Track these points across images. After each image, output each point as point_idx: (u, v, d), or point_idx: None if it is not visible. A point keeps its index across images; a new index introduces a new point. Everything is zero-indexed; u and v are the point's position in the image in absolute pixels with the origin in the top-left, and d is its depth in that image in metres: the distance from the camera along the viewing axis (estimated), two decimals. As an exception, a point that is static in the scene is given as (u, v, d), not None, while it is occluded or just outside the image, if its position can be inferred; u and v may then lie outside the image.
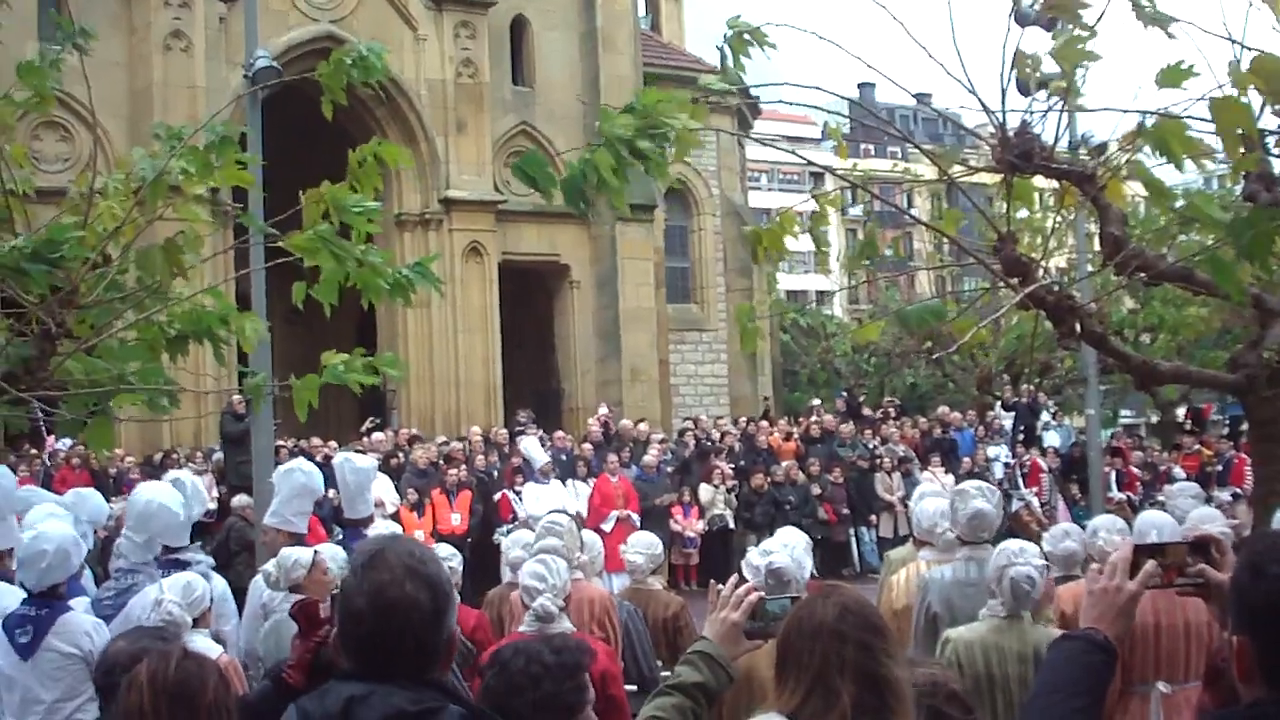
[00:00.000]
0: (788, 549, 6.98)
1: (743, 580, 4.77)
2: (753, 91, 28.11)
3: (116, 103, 26.76)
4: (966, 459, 28.09)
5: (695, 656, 4.44)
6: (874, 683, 3.82)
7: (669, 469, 26.04)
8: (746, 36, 6.27)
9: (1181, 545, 3.87)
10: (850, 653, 3.83)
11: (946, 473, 26.83)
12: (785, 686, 3.91)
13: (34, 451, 22.29)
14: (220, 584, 9.45)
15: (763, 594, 4.56)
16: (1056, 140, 5.73)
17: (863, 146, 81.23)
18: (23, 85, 7.71)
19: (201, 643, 7.15)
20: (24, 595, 7.90)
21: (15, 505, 9.18)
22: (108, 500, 19.33)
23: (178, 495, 9.57)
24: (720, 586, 4.62)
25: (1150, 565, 3.72)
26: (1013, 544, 7.47)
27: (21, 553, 7.82)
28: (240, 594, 10.25)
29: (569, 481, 24.25)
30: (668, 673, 9.34)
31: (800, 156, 9.20)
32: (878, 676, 3.83)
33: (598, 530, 20.17)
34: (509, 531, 21.07)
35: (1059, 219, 7.94)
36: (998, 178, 6.10)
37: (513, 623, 8.12)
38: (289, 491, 10.69)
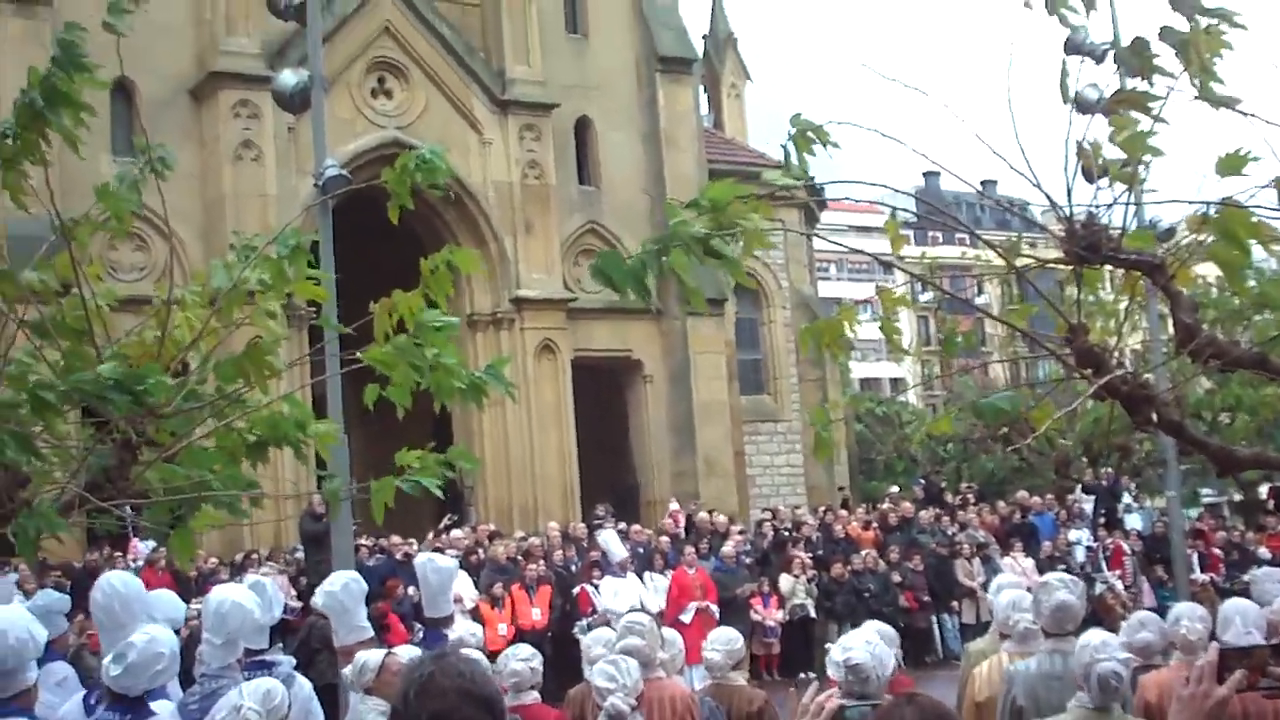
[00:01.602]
0: (869, 646, 6.94)
1: (822, 683, 4.75)
2: (818, 185, 28.27)
3: (190, 212, 27.18)
4: (1047, 543, 27.87)
5: None
6: None
7: (747, 560, 25.94)
8: (810, 135, 6.31)
9: (1265, 648, 3.88)
10: None
11: (1027, 557, 26.64)
12: None
13: (118, 555, 22.49)
14: (305, 685, 9.48)
15: (843, 702, 4.55)
16: (1124, 230, 5.72)
17: (930, 234, 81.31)
18: (103, 205, 7.86)
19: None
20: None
21: (147, 608, 9.23)
22: (187, 602, 19.55)
23: (252, 595, 9.61)
24: (794, 689, 4.60)
25: (1239, 675, 3.73)
26: (1095, 637, 7.39)
27: (134, 656, 7.84)
28: (321, 692, 10.30)
29: (647, 574, 24.18)
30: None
31: (863, 251, 9.23)
32: None
33: (676, 622, 20.11)
34: (589, 626, 21.10)
35: (1130, 304, 7.94)
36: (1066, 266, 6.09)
37: (594, 722, 8.11)
38: (353, 603, 10.72)
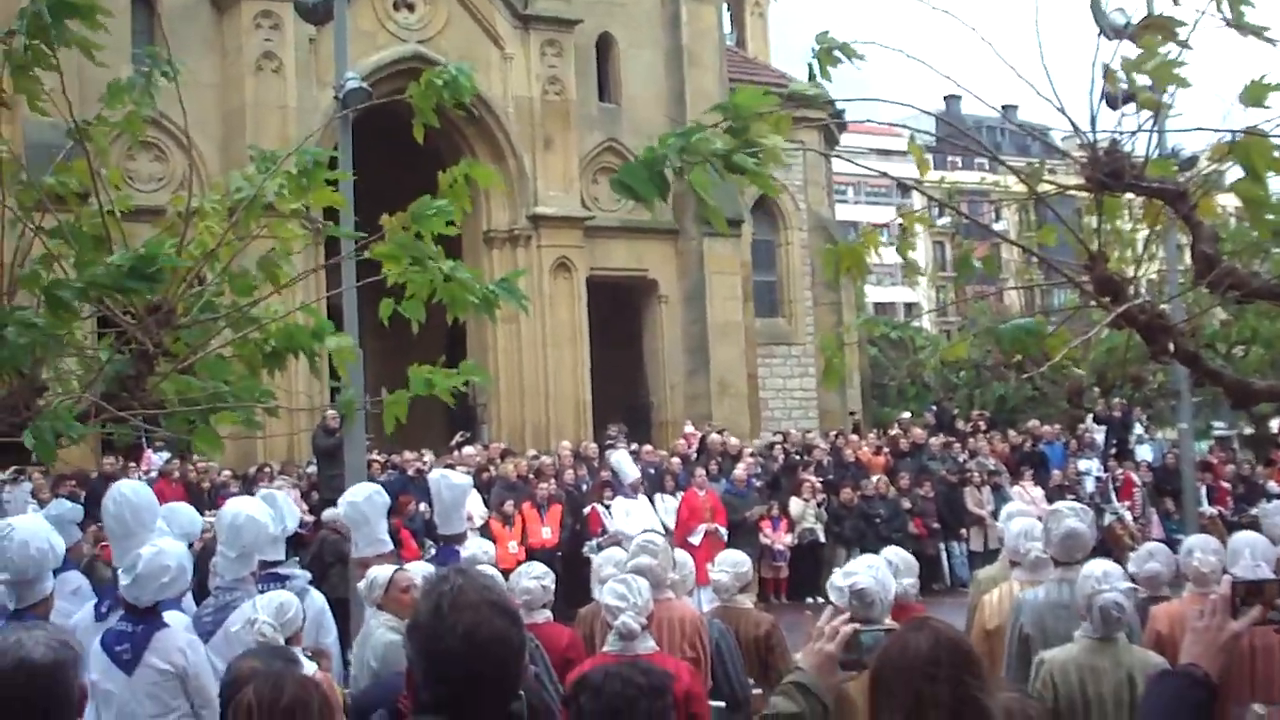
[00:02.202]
0: (872, 570, 6.95)
1: (836, 609, 4.77)
2: (840, 106, 28.09)
3: (209, 123, 27.11)
4: (1057, 473, 27.90)
5: (791, 687, 4.45)
6: (967, 715, 3.82)
7: (758, 483, 25.99)
8: (835, 52, 6.27)
9: (1275, 582, 3.90)
10: (943, 685, 3.83)
11: (1036, 486, 26.68)
12: (879, 719, 3.92)
13: (131, 465, 22.58)
14: (318, 598, 9.56)
15: (857, 626, 4.56)
16: (1147, 158, 5.69)
17: (949, 159, 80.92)
18: (110, 105, 7.84)
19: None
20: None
21: (157, 521, 9.26)
22: (201, 514, 19.64)
23: (266, 509, 9.66)
24: (809, 612, 4.63)
25: (1256, 612, 3.75)
26: (1096, 568, 7.39)
27: (141, 567, 7.87)
28: (334, 606, 10.39)
29: (657, 495, 24.23)
30: (758, 690, 9.38)
31: (886, 174, 9.17)
32: (971, 709, 3.83)
33: (685, 543, 20.16)
34: (598, 546, 21.18)
35: (1151, 234, 7.88)
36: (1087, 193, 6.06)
37: (602, 642, 8.14)
38: (375, 516, 10.76)
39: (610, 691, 4.53)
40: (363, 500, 10.82)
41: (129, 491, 9.13)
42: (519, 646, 3.69)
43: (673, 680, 4.77)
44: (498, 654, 3.62)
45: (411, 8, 30.31)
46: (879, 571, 6.99)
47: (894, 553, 9.03)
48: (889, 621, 6.48)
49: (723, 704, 8.90)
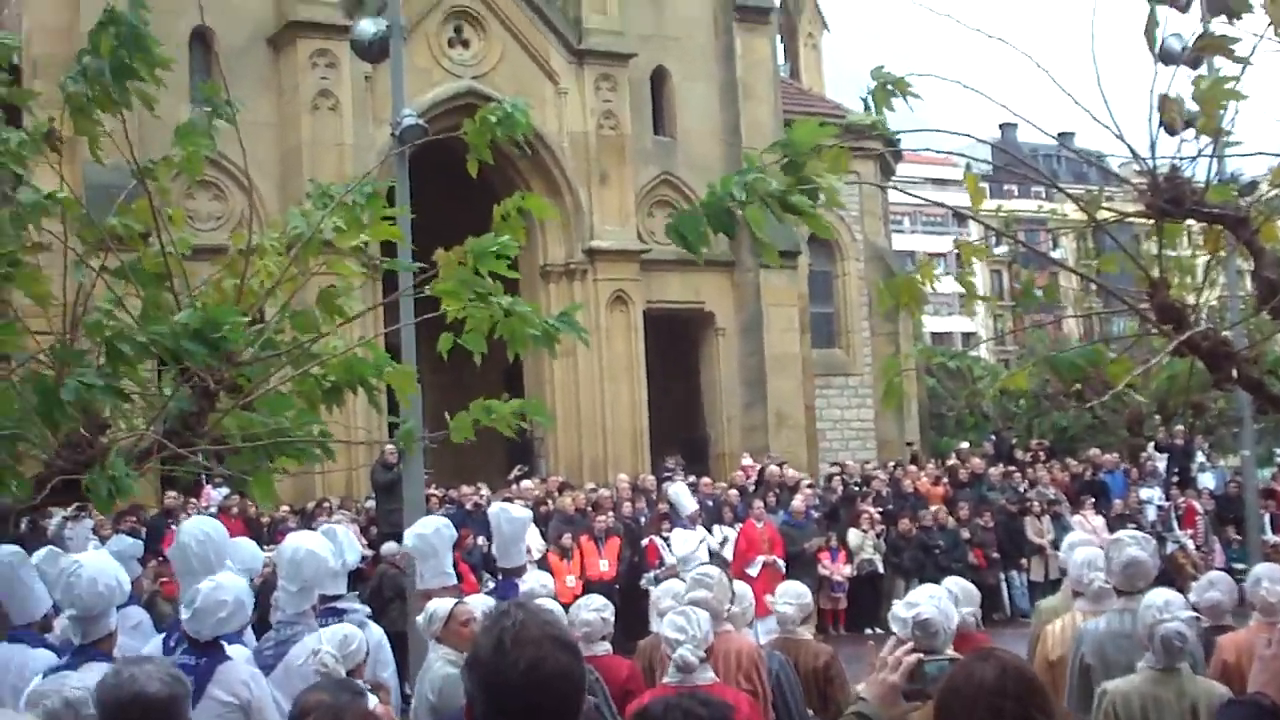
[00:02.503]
0: (934, 600, 6.92)
1: (899, 640, 4.75)
2: (897, 137, 28.07)
3: (267, 162, 27.26)
4: (1118, 502, 27.68)
5: (854, 718, 4.43)
6: None
7: (816, 514, 25.92)
8: (890, 87, 6.28)
9: None
10: (1009, 717, 3.81)
11: (1097, 515, 26.47)
12: None
13: (190, 501, 22.71)
14: (377, 632, 9.59)
15: (921, 656, 4.54)
16: (1207, 183, 5.66)
17: (1005, 187, 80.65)
18: (180, 146, 7.93)
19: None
20: (52, 659, 8.06)
21: (225, 555, 9.34)
22: (261, 549, 19.70)
23: (326, 543, 9.71)
24: (872, 643, 4.60)
25: None
26: (1158, 597, 7.33)
27: (200, 602, 7.94)
28: (393, 640, 10.42)
29: (715, 527, 24.20)
30: (818, 721, 9.35)
31: (943, 204, 9.16)
32: None
33: (743, 575, 20.12)
34: (656, 578, 21.16)
35: (1212, 260, 7.84)
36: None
37: (662, 673, 8.13)
38: (442, 548, 10.80)
39: None
40: (431, 533, 10.86)
41: (210, 529, 9.21)
42: (580, 681, 3.69)
43: (734, 712, 4.74)
44: (559, 689, 3.62)
45: (466, 44, 30.47)
46: (942, 601, 6.95)
47: (955, 582, 8.98)
48: (952, 652, 6.44)
49: None
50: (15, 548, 9.16)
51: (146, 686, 4.73)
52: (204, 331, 7.12)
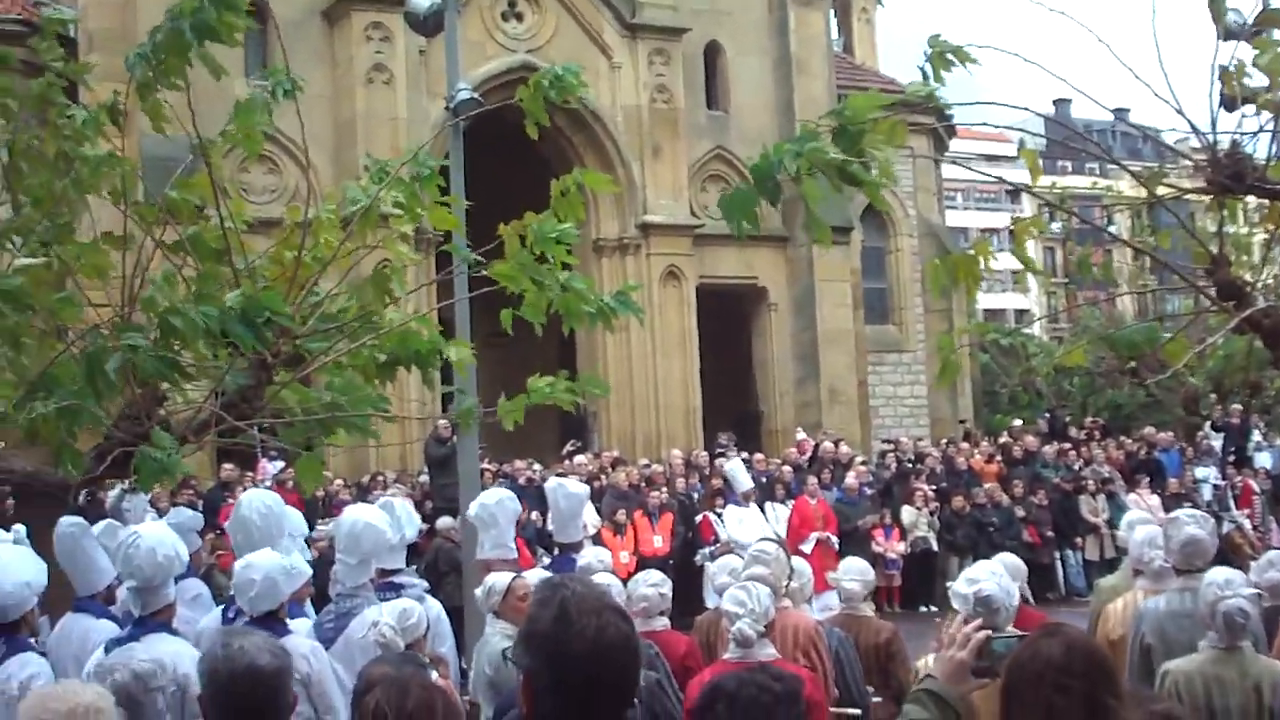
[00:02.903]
0: (995, 577, 6.88)
1: (967, 617, 4.73)
2: (951, 111, 27.90)
3: (321, 135, 27.34)
4: (1173, 480, 27.49)
5: (922, 694, 4.43)
6: None
7: (869, 491, 25.86)
8: (948, 55, 6.24)
9: None
10: (1077, 694, 3.79)
11: (1153, 494, 26.31)
12: None
13: (245, 474, 22.83)
14: (435, 606, 9.62)
15: (990, 633, 4.53)
16: (1269, 160, 5.61)
17: (1059, 164, 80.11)
18: (238, 123, 7.97)
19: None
20: (114, 630, 8.12)
21: (286, 528, 9.41)
22: (318, 522, 19.82)
23: (384, 516, 9.73)
24: (940, 620, 4.58)
25: None
26: (1219, 575, 7.27)
27: (234, 580, 8.05)
28: (450, 613, 10.46)
29: (768, 504, 24.16)
30: (878, 699, 9.34)
31: (1001, 179, 9.11)
32: (1104, 718, 3.78)
33: (797, 552, 20.12)
34: (711, 554, 21.16)
35: (1269, 237, 7.76)
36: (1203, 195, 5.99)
37: (721, 648, 8.14)
38: (505, 520, 10.83)
39: (746, 698, 4.51)
40: (494, 503, 10.89)
41: (271, 501, 9.27)
42: (638, 651, 3.69)
43: (804, 685, 4.75)
44: (621, 658, 3.62)
45: (520, 18, 30.45)
46: (1002, 578, 6.92)
47: (1002, 558, 8.93)
48: (1016, 629, 6.43)
49: (858, 711, 8.89)
50: (78, 519, 9.24)
51: (257, 659, 4.80)
52: (250, 314, 7.16)
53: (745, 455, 26.41)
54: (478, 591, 9.23)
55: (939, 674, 4.47)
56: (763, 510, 23.80)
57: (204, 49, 7.25)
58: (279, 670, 4.88)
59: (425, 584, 10.47)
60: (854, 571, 10.23)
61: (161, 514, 15.41)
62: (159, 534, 8.22)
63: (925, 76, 6.28)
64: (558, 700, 3.60)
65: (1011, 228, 6.96)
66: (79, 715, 4.26)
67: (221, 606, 9.31)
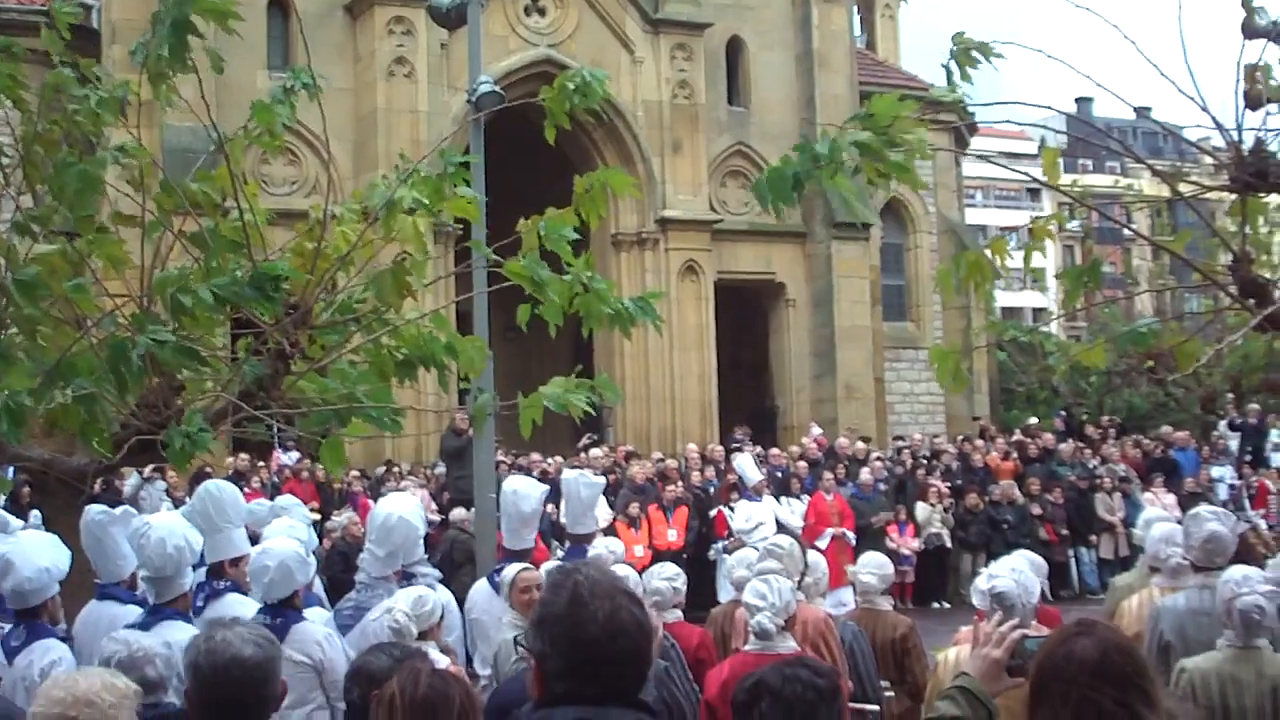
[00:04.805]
0: (1014, 574, 6.87)
1: (1004, 615, 4.72)
2: (974, 109, 27.85)
3: (341, 127, 27.41)
4: (1189, 480, 27.42)
5: (955, 692, 4.42)
6: None
7: (884, 487, 25.85)
8: (973, 52, 6.22)
9: None
10: (1109, 697, 3.75)
11: (1168, 493, 26.25)
12: None
13: (261, 464, 22.90)
14: (446, 596, 9.65)
15: (1026, 631, 4.52)
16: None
17: (1080, 162, 79.98)
18: (257, 120, 7.98)
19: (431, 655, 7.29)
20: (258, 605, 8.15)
21: (243, 517, 9.45)
22: (332, 513, 19.84)
23: (418, 510, 9.79)
24: (977, 618, 4.55)
25: None
26: (1236, 572, 7.24)
27: (249, 567, 8.10)
28: (464, 604, 10.49)
29: (783, 499, 24.15)
30: (892, 693, 9.34)
31: (1022, 173, 9.08)
32: None
33: (812, 547, 20.09)
34: (725, 549, 21.16)
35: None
36: (1224, 194, 5.97)
37: (738, 641, 8.14)
38: (532, 513, 10.88)
39: (791, 694, 4.49)
40: (512, 492, 10.97)
41: (224, 489, 9.27)
42: (649, 635, 3.73)
43: (840, 680, 4.75)
44: (635, 642, 3.65)
45: (543, 12, 30.46)
46: (1021, 575, 6.91)
47: (1022, 555, 8.92)
48: (1042, 628, 6.41)
49: (876, 708, 8.88)
50: (103, 507, 9.28)
51: (241, 650, 4.80)
52: (259, 280, 7.19)
53: (760, 450, 26.42)
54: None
55: (973, 671, 4.45)
56: (778, 504, 23.78)
57: (202, 37, 7.25)
58: (264, 660, 4.86)
59: (438, 574, 10.50)
60: (872, 565, 10.25)
61: (178, 504, 15.46)
62: (169, 524, 8.27)
63: (949, 74, 6.27)
64: (571, 684, 3.62)
65: (1031, 224, 6.93)
66: (69, 705, 4.26)
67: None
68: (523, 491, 11.13)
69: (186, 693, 4.94)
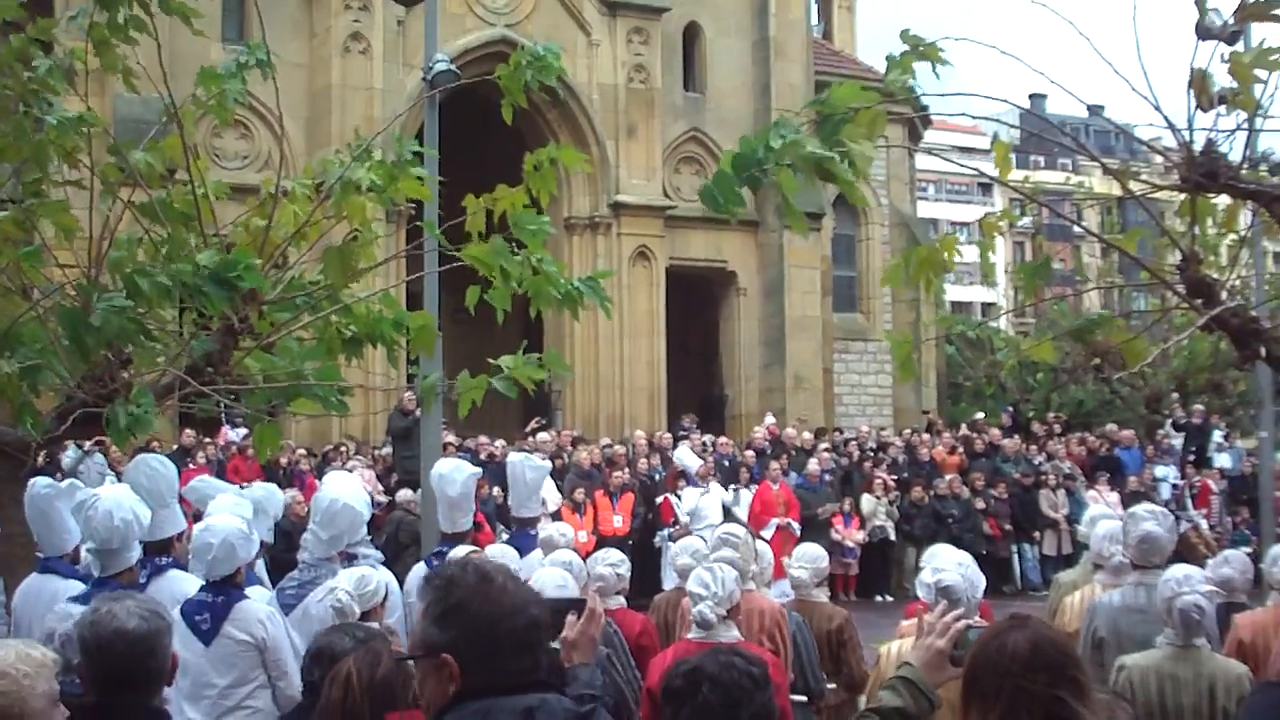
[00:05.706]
0: (960, 568, 6.90)
1: (947, 606, 4.73)
2: (927, 100, 27.93)
3: (296, 103, 27.20)
4: (1133, 478, 27.63)
5: (898, 682, 4.41)
6: None
7: (829, 478, 25.92)
8: (919, 50, 6.22)
9: None
10: (1041, 691, 3.77)
11: (1112, 491, 26.43)
12: (970, 718, 3.87)
13: (207, 440, 22.76)
14: (387, 577, 9.61)
15: (969, 622, 4.52)
16: (1244, 160, 5.62)
17: (1032, 159, 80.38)
18: (205, 88, 7.92)
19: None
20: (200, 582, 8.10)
21: (176, 493, 9.37)
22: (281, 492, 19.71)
23: (364, 494, 9.73)
24: (922, 609, 4.56)
25: None
26: (1177, 571, 7.29)
27: (192, 544, 8.04)
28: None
29: (731, 487, 24.21)
30: (832, 685, 9.36)
31: (974, 169, 9.12)
32: (1067, 718, 3.77)
33: (757, 537, 20.14)
34: (671, 536, 21.20)
35: (1247, 235, 7.80)
36: (1174, 194, 6.01)
37: (683, 629, 8.13)
38: (461, 496, 10.79)
39: (729, 681, 4.49)
40: (448, 473, 10.89)
41: (159, 464, 9.18)
42: (541, 600, 3.77)
43: (770, 670, 4.75)
44: (537, 625, 3.65)
45: (500, -8, 30.35)
46: (967, 569, 6.94)
47: (949, 550, 8.93)
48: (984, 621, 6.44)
49: (804, 698, 8.90)
50: (50, 480, 9.20)
51: (126, 623, 4.77)
52: (221, 273, 7.13)
53: (707, 438, 26.48)
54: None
55: (917, 661, 4.45)
56: (725, 491, 23.87)
57: (149, 10, 7.20)
58: (149, 633, 4.84)
59: (380, 555, 10.45)
60: (805, 559, 10.26)
61: (119, 477, 15.34)
62: (117, 497, 8.21)
63: (891, 62, 6.26)
64: (496, 662, 3.57)
65: (981, 221, 6.95)
66: None
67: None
68: (448, 475, 10.95)
69: (78, 666, 4.92)
